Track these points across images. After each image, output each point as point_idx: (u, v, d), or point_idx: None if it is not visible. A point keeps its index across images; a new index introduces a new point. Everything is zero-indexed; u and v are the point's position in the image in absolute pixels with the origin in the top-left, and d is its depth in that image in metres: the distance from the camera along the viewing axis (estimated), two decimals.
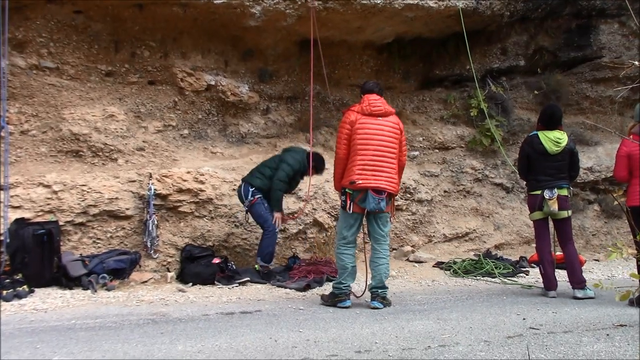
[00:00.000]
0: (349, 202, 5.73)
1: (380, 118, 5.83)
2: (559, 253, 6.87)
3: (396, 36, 9.15)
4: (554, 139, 6.48)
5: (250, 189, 7.19)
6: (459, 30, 8.64)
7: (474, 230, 9.44)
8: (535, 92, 10.14)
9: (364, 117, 5.79)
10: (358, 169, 5.72)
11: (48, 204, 6.90)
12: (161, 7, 7.47)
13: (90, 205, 7.07)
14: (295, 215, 7.93)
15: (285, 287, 6.86)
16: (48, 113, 7.48)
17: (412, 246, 8.98)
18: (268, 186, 7.18)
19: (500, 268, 8.09)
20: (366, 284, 6.10)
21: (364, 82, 6.37)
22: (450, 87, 10.06)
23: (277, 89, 9.04)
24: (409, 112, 9.93)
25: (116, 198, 7.21)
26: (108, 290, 6.43)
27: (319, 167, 7.44)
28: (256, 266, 7.24)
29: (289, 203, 7.99)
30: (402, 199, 8.91)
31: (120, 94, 7.94)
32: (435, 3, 8.35)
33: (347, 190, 5.76)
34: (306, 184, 7.49)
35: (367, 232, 6.07)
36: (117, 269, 6.70)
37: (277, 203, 7.22)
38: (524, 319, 5.34)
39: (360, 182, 5.69)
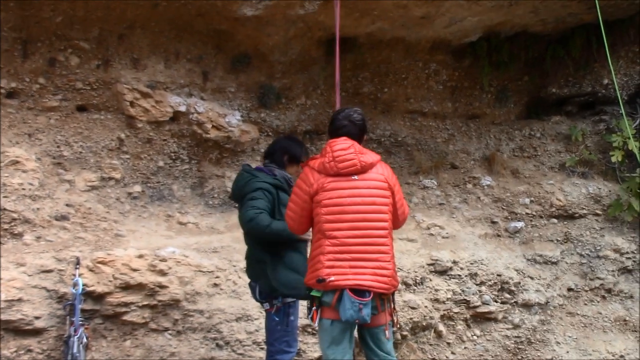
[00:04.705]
0: (314, 308, 5.78)
1: (356, 176, 5.83)
2: None
3: (486, 31, 9.20)
4: None
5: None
6: (591, 20, 8.66)
7: (622, 357, 9.20)
8: None
9: (329, 180, 5.79)
10: (328, 260, 5.73)
11: None
12: None
13: None
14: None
15: None
16: None
17: None
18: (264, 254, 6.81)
19: None
20: None
21: (333, 114, 6.20)
22: (577, 114, 10.10)
23: (289, 119, 9.13)
24: (507, 157, 9.94)
25: (19, 300, 7.10)
26: None
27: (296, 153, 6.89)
28: None
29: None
30: (496, 300, 8.78)
31: (30, 127, 7.98)
32: None
33: (312, 292, 5.81)
34: None
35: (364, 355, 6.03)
36: None
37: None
38: None
39: (332, 278, 5.68)
